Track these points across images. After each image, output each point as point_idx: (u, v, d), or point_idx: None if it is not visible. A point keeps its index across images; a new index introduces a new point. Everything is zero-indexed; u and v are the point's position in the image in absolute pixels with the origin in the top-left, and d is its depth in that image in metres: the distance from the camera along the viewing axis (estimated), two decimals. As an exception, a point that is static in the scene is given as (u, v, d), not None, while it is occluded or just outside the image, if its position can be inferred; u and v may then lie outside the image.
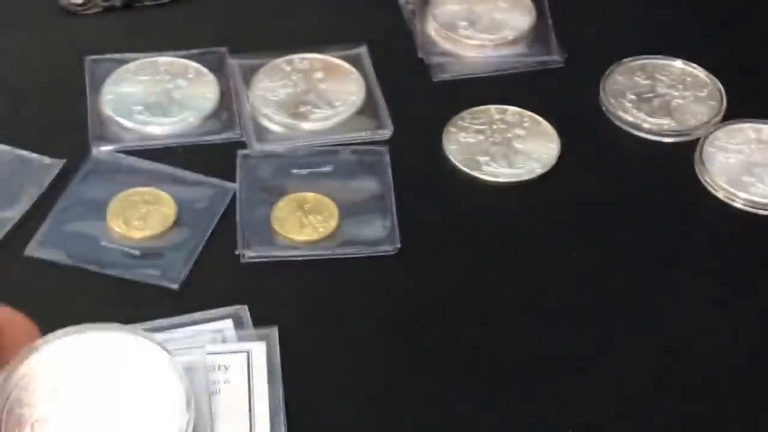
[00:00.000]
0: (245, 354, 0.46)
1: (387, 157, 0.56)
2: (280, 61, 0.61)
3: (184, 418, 0.30)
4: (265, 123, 0.59)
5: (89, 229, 0.53)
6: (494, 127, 0.58)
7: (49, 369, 0.32)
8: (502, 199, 0.55)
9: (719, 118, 0.59)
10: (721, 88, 0.60)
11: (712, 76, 0.61)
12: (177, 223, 0.53)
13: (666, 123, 0.59)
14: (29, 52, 0.63)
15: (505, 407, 0.46)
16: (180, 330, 0.48)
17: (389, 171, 0.56)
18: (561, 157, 0.57)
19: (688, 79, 0.61)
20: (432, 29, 0.64)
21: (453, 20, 0.64)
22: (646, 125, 0.59)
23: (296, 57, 0.61)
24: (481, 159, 0.57)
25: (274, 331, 0.48)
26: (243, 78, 0.61)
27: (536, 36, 0.63)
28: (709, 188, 0.55)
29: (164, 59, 0.61)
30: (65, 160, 0.56)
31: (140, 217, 0.53)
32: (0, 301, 0.30)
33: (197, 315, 0.49)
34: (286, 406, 0.45)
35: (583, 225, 0.54)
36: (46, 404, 0.31)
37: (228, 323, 0.48)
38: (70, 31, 0.64)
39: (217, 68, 0.61)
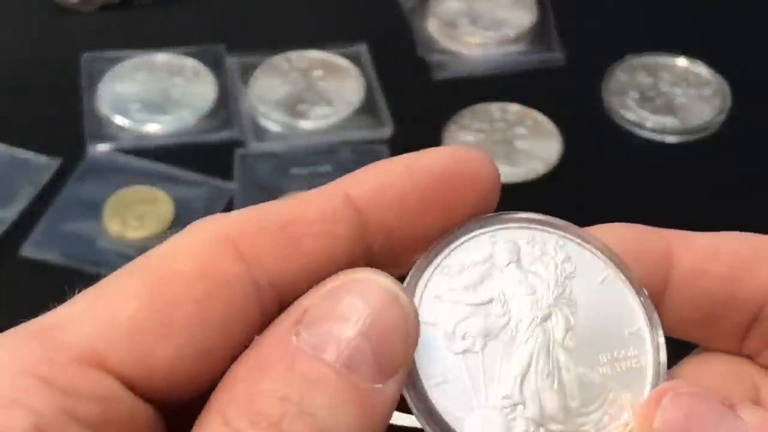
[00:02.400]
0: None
1: (387, 156, 0.56)
2: (279, 59, 0.61)
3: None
4: (264, 122, 0.58)
5: (85, 229, 0.52)
6: (495, 125, 0.58)
7: None
8: (503, 199, 0.55)
9: (723, 116, 0.58)
10: (726, 85, 0.60)
11: (716, 74, 0.60)
12: (174, 223, 0.53)
13: (669, 121, 0.58)
14: (25, 50, 0.62)
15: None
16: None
17: (389, 170, 0.55)
18: (562, 156, 0.56)
19: (692, 77, 0.60)
20: (432, 27, 0.63)
21: (453, 18, 0.63)
22: (648, 123, 0.58)
23: (295, 55, 0.61)
24: (482, 158, 0.56)
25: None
26: (241, 76, 0.60)
27: (538, 34, 0.63)
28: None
29: (161, 57, 0.61)
30: (61, 160, 0.55)
31: (137, 217, 0.53)
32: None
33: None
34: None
35: (584, 224, 0.53)
36: None
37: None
38: (67, 28, 0.64)
39: (215, 66, 0.60)
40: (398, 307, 0.20)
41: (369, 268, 0.20)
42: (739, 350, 0.23)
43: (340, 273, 0.20)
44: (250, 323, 0.20)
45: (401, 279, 0.21)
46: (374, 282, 0.20)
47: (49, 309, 0.47)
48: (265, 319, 0.20)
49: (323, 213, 0.21)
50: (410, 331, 0.20)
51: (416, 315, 0.20)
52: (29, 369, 0.19)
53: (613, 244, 0.24)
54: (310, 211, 0.21)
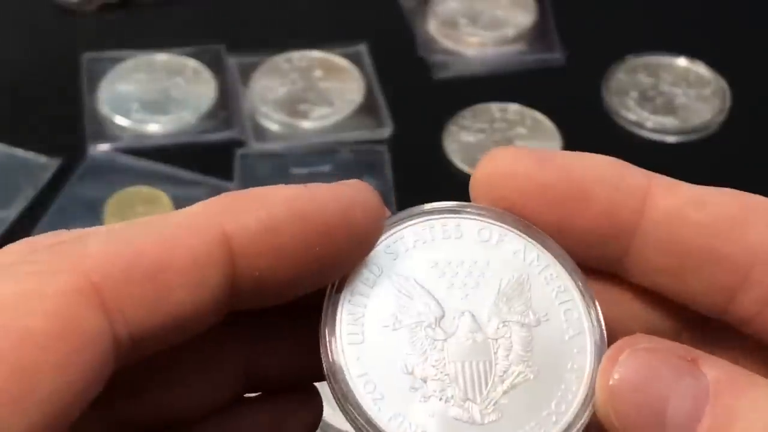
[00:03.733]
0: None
1: (387, 156, 0.56)
2: (279, 59, 0.61)
3: None
4: (264, 122, 0.58)
5: (86, 229, 0.52)
6: (495, 125, 0.58)
7: None
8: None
9: (723, 116, 0.58)
10: (726, 85, 0.60)
11: (716, 74, 0.60)
12: (174, 223, 0.53)
13: (669, 121, 0.58)
14: (25, 51, 0.62)
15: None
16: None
17: (389, 170, 0.55)
18: (563, 156, 0.56)
19: (692, 77, 0.60)
20: (432, 27, 0.63)
21: (454, 18, 0.63)
22: (648, 123, 0.58)
23: (295, 55, 0.61)
24: (482, 158, 0.56)
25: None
26: (241, 76, 0.60)
27: (538, 34, 0.63)
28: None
29: (162, 57, 0.61)
30: (61, 159, 0.55)
31: (137, 217, 0.52)
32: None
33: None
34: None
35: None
36: None
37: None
38: (67, 29, 0.64)
39: (216, 66, 0.60)
40: None
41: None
42: (724, 313, 0.22)
43: None
44: (105, 379, 0.18)
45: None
46: None
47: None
48: (114, 371, 0.19)
49: (195, 258, 0.19)
50: None
51: None
52: None
53: (590, 173, 0.22)
54: (182, 256, 0.19)
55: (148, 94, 0.59)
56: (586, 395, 0.21)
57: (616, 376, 0.20)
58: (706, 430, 0.19)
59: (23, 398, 0.17)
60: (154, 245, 0.19)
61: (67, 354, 0.18)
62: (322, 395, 0.29)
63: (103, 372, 0.18)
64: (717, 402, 0.20)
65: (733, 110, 0.59)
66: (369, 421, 0.20)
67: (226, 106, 0.59)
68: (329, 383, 0.21)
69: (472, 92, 0.59)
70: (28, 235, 0.56)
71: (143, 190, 0.54)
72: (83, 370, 0.18)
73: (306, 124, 0.58)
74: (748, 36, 0.64)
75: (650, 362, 0.20)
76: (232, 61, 0.61)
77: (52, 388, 0.17)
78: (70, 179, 0.54)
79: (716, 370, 0.20)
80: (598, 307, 0.22)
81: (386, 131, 0.57)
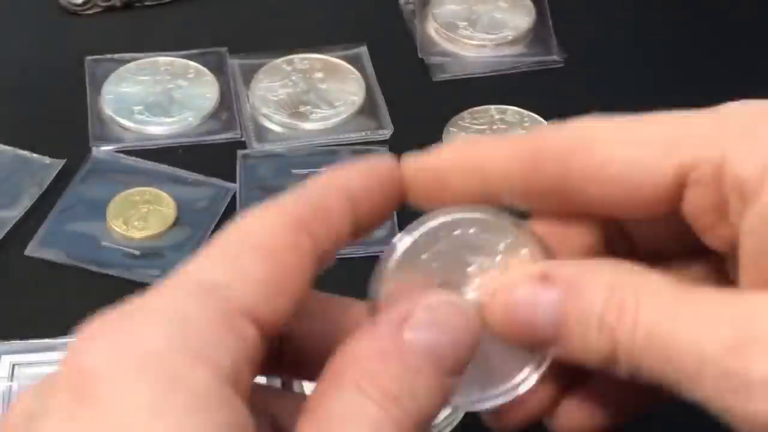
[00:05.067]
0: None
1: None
2: (280, 61, 0.61)
3: None
4: (265, 123, 0.59)
5: (89, 229, 0.53)
6: (494, 127, 0.58)
7: None
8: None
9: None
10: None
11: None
12: (177, 223, 0.53)
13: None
14: (29, 52, 0.63)
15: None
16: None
17: (389, 171, 0.56)
18: (561, 157, 0.57)
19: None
20: (432, 29, 0.64)
21: (453, 20, 0.64)
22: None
23: (296, 57, 0.62)
24: (481, 159, 0.57)
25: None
26: (243, 78, 0.61)
27: (536, 36, 0.63)
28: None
29: (164, 59, 0.61)
30: (65, 160, 0.56)
31: (140, 217, 0.53)
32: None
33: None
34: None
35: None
36: None
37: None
38: (70, 31, 0.64)
39: (218, 68, 0.61)
40: (471, 331, 0.27)
41: (444, 293, 0.28)
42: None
43: (430, 294, 0.28)
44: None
45: None
46: (455, 305, 0.28)
47: (51, 308, 0.47)
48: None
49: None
50: (474, 345, 0.27)
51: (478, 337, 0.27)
52: (216, 321, 0.25)
53: None
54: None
55: (151, 96, 0.59)
56: None
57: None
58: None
59: (284, 290, 0.26)
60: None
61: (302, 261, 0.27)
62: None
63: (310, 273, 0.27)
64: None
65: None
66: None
67: (228, 107, 0.59)
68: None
69: (471, 94, 0.60)
70: (33, 234, 0.55)
71: (146, 190, 0.54)
72: (309, 271, 0.27)
73: (307, 126, 0.58)
74: (746, 37, 0.64)
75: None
76: (234, 63, 0.61)
77: (298, 287, 0.27)
78: (74, 180, 0.55)
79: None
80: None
81: (386, 132, 0.58)
